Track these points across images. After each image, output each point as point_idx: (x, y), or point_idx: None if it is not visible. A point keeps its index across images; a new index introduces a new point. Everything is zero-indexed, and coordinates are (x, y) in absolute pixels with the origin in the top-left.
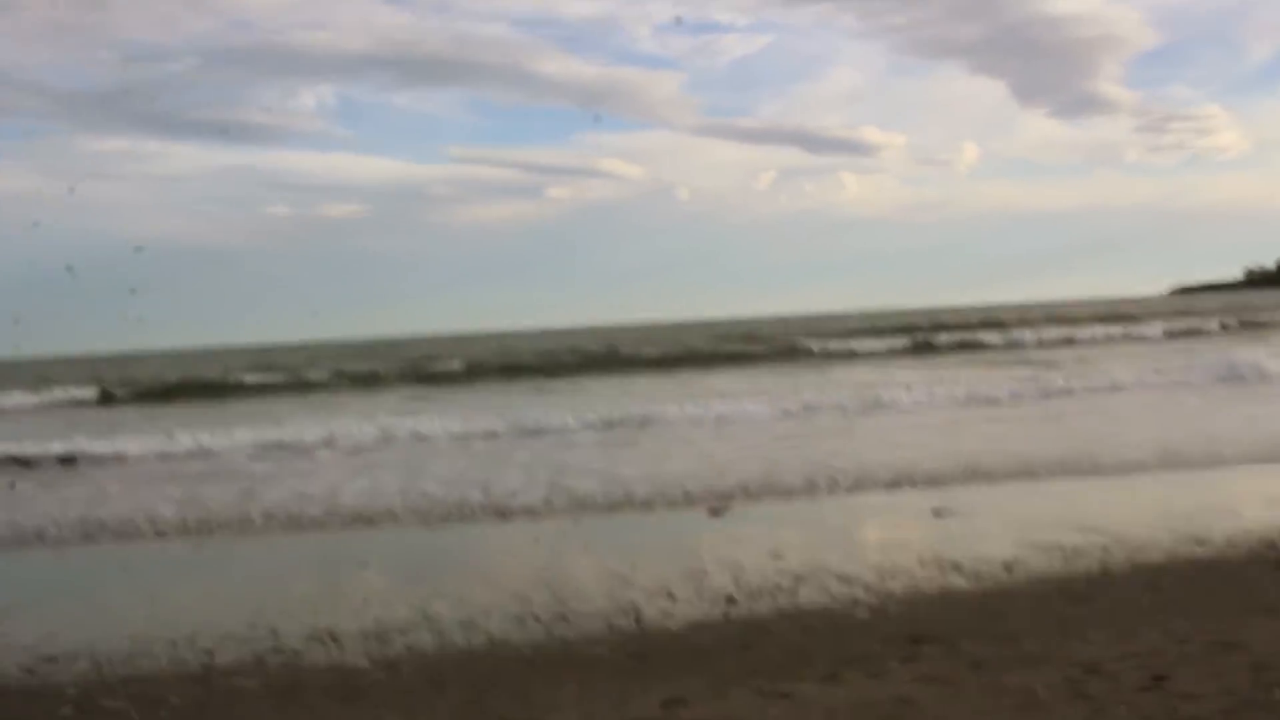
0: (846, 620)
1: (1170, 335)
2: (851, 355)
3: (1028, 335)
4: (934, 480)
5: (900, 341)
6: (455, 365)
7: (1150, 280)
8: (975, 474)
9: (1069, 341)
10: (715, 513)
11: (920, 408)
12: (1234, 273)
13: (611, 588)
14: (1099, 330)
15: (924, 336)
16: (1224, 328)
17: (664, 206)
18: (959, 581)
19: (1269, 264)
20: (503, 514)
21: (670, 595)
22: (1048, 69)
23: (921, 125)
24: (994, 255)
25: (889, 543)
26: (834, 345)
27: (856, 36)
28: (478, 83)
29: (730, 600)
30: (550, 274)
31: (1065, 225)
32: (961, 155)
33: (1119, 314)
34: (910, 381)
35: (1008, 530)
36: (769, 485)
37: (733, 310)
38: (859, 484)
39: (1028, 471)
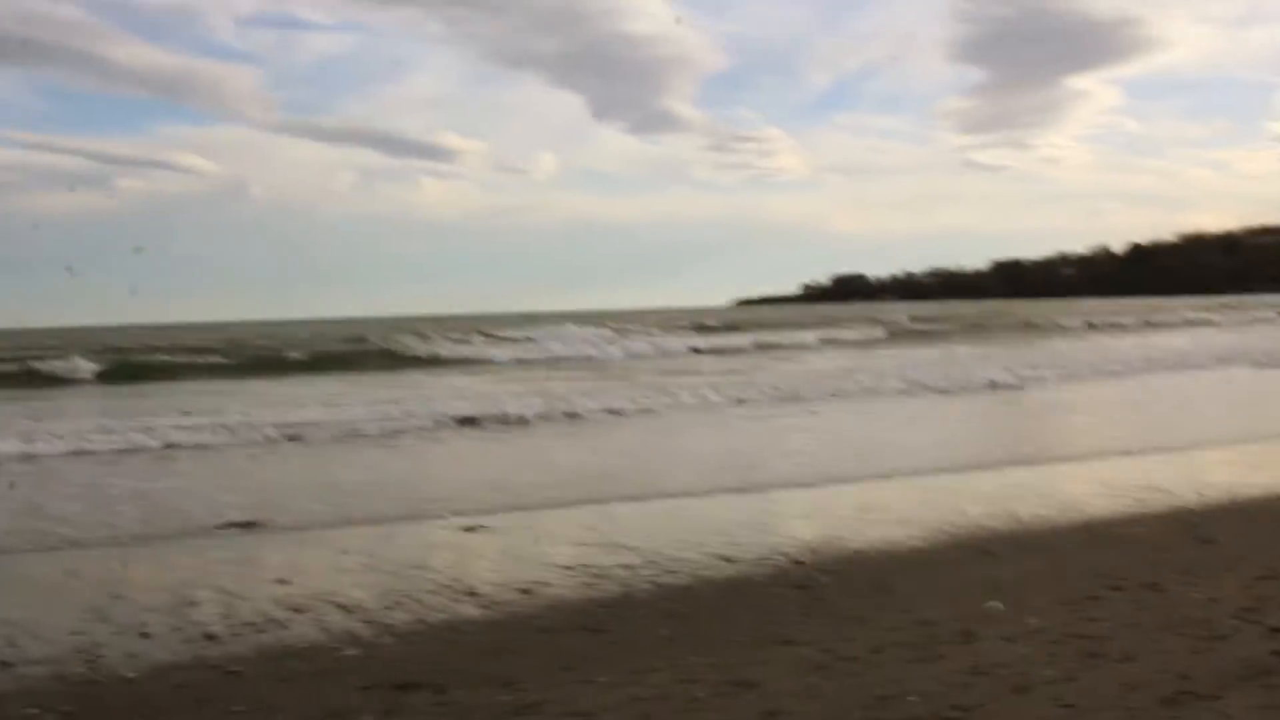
0: (332, 662)
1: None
2: (432, 361)
3: (611, 351)
4: (480, 496)
5: (481, 348)
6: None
7: (716, 292)
8: (524, 490)
9: (645, 355)
10: (247, 528)
11: (491, 420)
12: (793, 288)
13: (83, 626)
14: (673, 341)
15: (511, 348)
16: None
17: (239, 204)
18: (470, 611)
19: (824, 280)
20: None
21: (145, 633)
22: (624, 86)
23: (501, 134)
24: (570, 263)
25: (407, 565)
26: (400, 348)
27: (441, 42)
28: (46, 65)
29: (210, 638)
30: (114, 268)
31: (639, 237)
32: (540, 165)
33: (695, 324)
34: (494, 392)
35: (538, 549)
36: (305, 503)
37: (309, 311)
38: (401, 500)
39: (579, 488)
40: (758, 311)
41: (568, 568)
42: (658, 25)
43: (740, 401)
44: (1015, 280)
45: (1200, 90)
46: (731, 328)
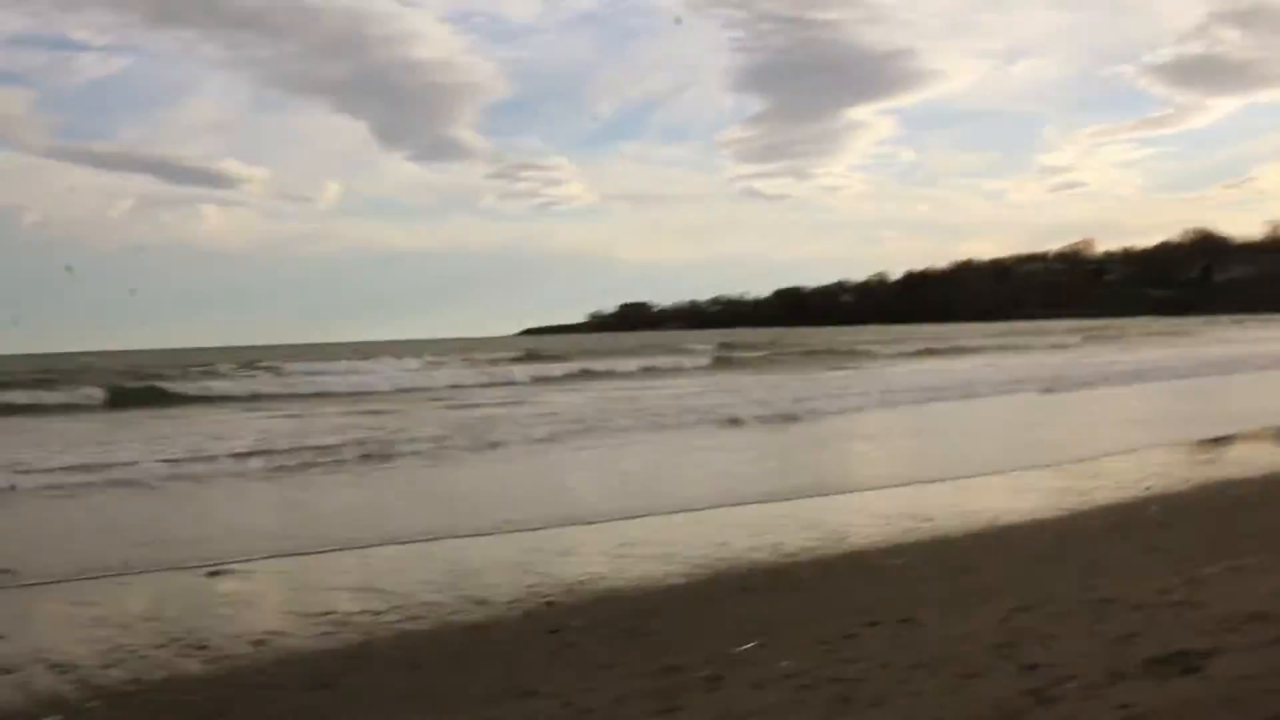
0: None
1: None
2: (210, 397)
3: (393, 377)
4: (236, 541)
5: (257, 383)
6: None
7: (504, 321)
8: (283, 534)
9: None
10: None
11: (262, 459)
12: (580, 316)
13: None
14: (470, 373)
15: (292, 382)
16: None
17: (9, 233)
18: (193, 667)
19: (610, 309)
20: None
21: None
22: (408, 112)
23: (284, 160)
24: (356, 293)
25: (140, 617)
26: (189, 387)
27: (221, 66)
28: None
29: None
30: None
31: (425, 265)
32: (324, 192)
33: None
34: (271, 429)
35: (283, 596)
36: (45, 553)
37: (86, 344)
38: (150, 547)
39: (342, 531)
40: (545, 341)
41: (310, 616)
42: (441, 51)
43: (530, 436)
44: (797, 308)
45: (972, 122)
46: (535, 357)
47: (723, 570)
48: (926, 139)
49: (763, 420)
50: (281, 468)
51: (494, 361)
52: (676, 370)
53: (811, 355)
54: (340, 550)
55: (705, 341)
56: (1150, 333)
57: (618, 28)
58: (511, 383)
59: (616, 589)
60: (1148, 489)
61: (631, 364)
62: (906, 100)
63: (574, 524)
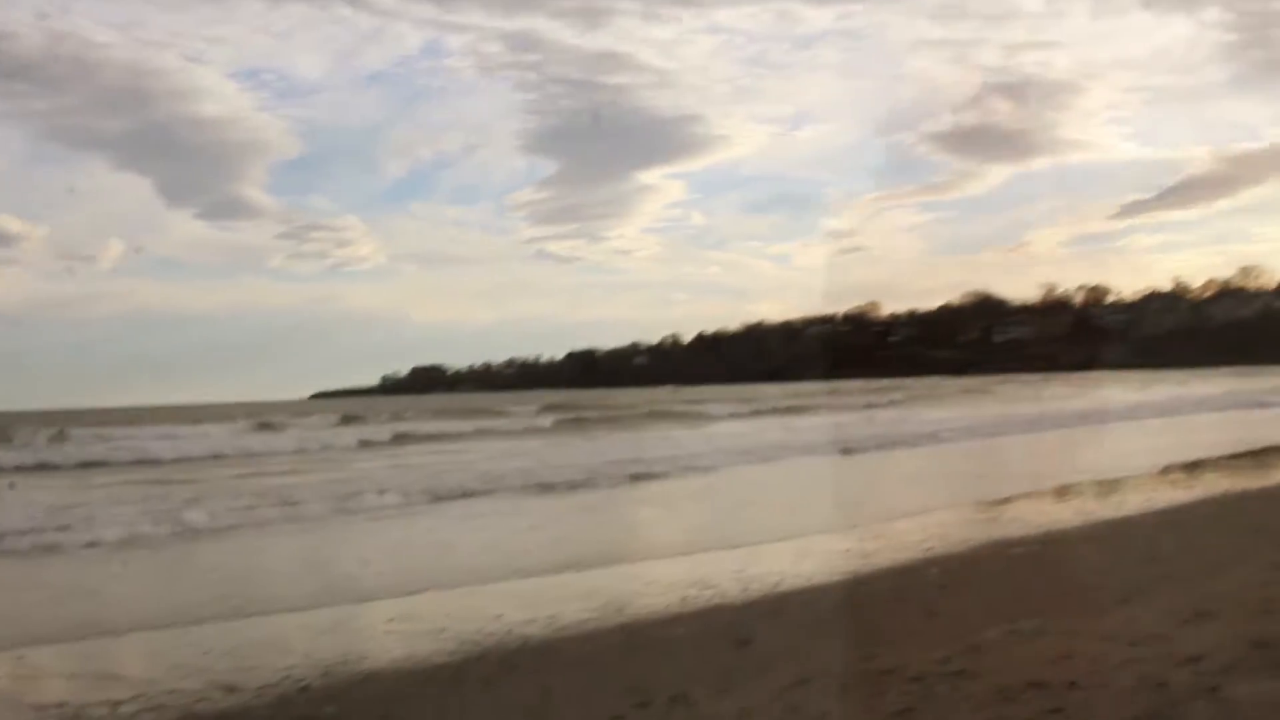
0: None
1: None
2: None
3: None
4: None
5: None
6: None
7: (293, 384)
8: (27, 621)
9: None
10: None
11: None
12: (372, 379)
13: None
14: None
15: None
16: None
17: None
18: None
19: (403, 371)
20: None
21: None
22: (195, 170)
23: (63, 218)
24: (139, 355)
25: None
26: None
27: None
28: None
29: None
30: None
31: (212, 327)
32: (106, 251)
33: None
34: (36, 502)
35: (17, 687)
36: None
37: None
38: None
39: (93, 615)
40: (344, 404)
41: (40, 709)
42: (228, 108)
43: (338, 507)
44: (590, 369)
45: (758, 186)
46: (350, 420)
47: (491, 647)
48: (715, 203)
49: (569, 486)
50: (39, 546)
51: (287, 425)
52: (506, 433)
53: (650, 416)
54: (89, 637)
55: (519, 403)
56: (945, 393)
57: (408, 88)
58: (306, 449)
59: (377, 670)
60: (928, 550)
61: (462, 426)
62: (695, 164)
63: (350, 600)
